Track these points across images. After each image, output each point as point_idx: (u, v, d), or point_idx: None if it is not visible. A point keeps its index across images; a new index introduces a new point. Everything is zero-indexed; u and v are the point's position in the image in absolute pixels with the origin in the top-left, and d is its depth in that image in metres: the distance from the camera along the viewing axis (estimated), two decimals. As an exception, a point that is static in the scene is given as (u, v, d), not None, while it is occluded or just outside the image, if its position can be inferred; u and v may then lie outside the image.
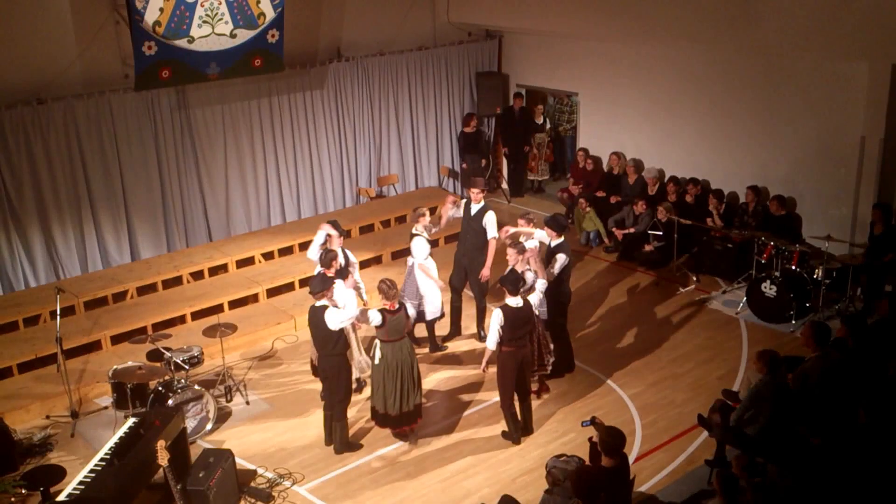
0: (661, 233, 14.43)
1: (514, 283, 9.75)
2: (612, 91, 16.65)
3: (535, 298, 9.97)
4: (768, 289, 12.46)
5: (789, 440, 8.70)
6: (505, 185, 18.71)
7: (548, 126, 18.29)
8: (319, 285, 9.55)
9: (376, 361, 9.68)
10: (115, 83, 13.74)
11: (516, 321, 9.63)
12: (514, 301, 9.66)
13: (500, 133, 18.47)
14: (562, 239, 10.97)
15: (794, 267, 12.50)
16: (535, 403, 10.62)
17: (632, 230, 14.94)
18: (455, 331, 12.54)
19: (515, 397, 10.01)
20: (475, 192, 11.96)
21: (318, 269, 10.57)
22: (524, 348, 9.90)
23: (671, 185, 15.17)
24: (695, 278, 14.04)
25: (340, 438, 10.01)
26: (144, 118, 14.05)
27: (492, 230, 11.81)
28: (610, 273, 14.71)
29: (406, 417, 9.89)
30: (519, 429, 10.16)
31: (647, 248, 14.62)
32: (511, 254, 10.44)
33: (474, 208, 11.92)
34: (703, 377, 11.31)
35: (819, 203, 13.85)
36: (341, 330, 9.45)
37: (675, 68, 15.48)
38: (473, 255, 11.94)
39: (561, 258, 10.81)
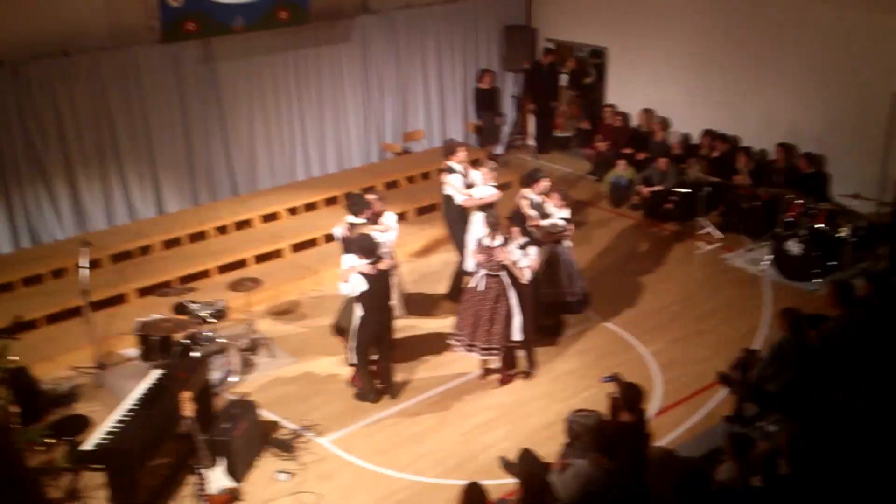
0: (688, 190, 14.34)
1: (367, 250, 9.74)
2: (642, 45, 16.45)
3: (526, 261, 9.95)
4: (794, 247, 12.37)
5: (810, 398, 8.69)
6: (532, 142, 18.60)
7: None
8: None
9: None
10: (141, 36, 13.69)
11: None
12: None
13: (528, 89, 18.32)
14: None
15: (820, 225, 12.40)
16: (554, 360, 10.70)
17: (659, 188, 14.85)
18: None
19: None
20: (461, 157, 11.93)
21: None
22: None
23: (706, 139, 15.02)
24: (720, 236, 13.96)
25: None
26: (170, 71, 14.04)
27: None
28: (635, 230, 14.66)
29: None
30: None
31: (667, 206, 14.56)
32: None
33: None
34: (726, 334, 11.29)
35: (849, 160, 13.67)
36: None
37: (707, 22, 15.27)
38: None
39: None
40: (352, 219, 10.50)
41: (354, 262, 9.54)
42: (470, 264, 10.34)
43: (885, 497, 7.40)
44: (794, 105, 14.30)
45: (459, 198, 11.72)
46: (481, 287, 9.95)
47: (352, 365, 10.25)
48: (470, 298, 10.07)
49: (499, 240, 9.85)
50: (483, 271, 9.91)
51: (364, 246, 9.60)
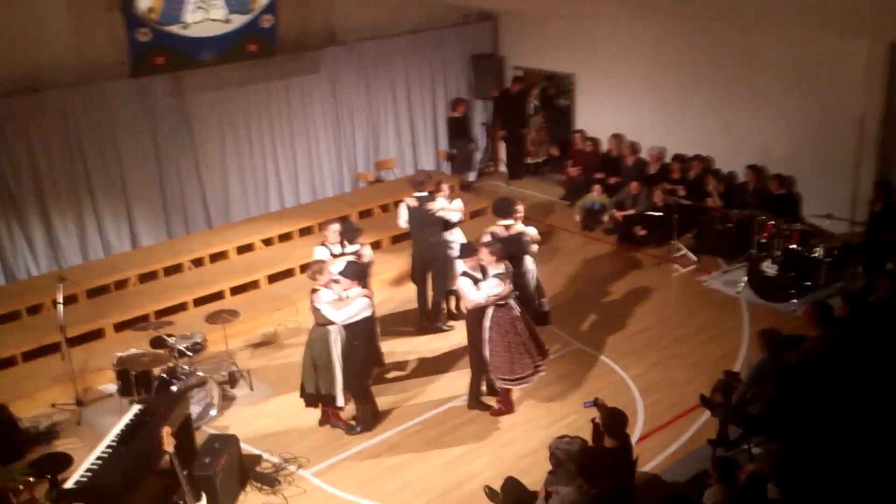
0: (660, 213, 14.44)
1: None
2: (610, 71, 16.62)
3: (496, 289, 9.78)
4: (769, 268, 12.48)
5: (791, 419, 8.74)
6: (503, 168, 18.69)
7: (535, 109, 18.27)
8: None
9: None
10: (110, 70, 13.66)
11: None
12: None
13: (498, 116, 18.43)
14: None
15: (794, 246, 12.51)
16: (534, 387, 10.70)
17: (631, 212, 14.94)
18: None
19: None
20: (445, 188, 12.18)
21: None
22: None
23: (675, 163, 15.17)
24: (694, 258, 14.06)
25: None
26: (140, 105, 14.00)
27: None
28: (610, 255, 14.72)
29: (320, 398, 9.96)
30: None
31: (641, 232, 14.64)
32: (483, 252, 9.93)
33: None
34: (705, 357, 11.33)
35: (819, 181, 13.84)
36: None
37: (672, 47, 15.45)
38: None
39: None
40: (347, 247, 10.79)
41: (354, 292, 9.56)
42: (475, 292, 9.85)
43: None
44: (762, 127, 14.47)
45: (456, 217, 12.00)
46: (517, 311, 9.92)
47: (339, 408, 10.04)
48: (507, 330, 9.87)
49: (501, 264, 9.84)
50: (513, 296, 9.88)
51: (358, 271, 9.69)
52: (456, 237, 12.04)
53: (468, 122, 17.98)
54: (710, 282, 13.43)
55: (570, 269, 14.11)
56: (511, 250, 10.59)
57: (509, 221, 10.94)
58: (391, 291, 13.57)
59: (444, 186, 12.11)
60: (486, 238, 10.53)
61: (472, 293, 9.70)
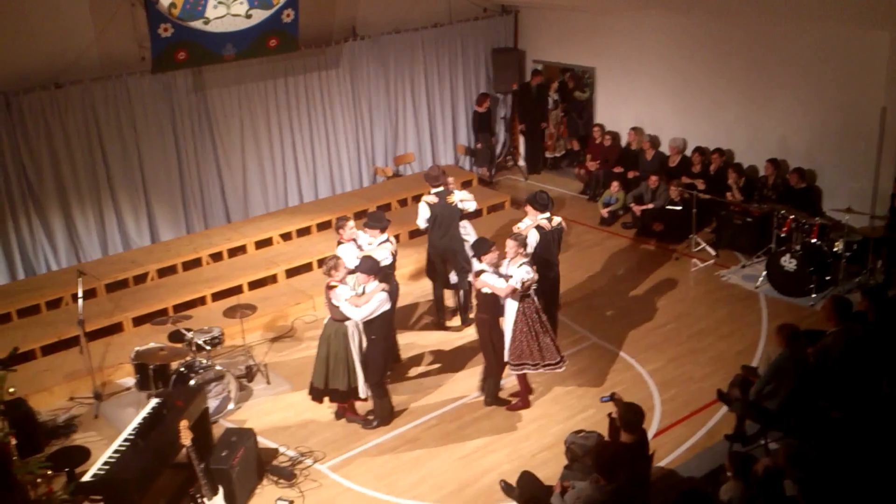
0: (679, 208, 14.38)
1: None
2: (630, 65, 16.55)
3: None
4: (788, 262, 12.40)
5: (809, 414, 8.69)
6: (522, 163, 18.66)
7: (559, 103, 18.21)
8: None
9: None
10: (132, 66, 13.77)
11: None
12: None
13: (517, 110, 18.40)
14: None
15: (814, 240, 12.41)
16: (551, 381, 10.68)
17: (650, 206, 14.87)
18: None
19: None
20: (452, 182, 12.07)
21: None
22: None
23: (696, 156, 15.10)
24: (713, 253, 13.99)
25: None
26: (161, 100, 14.10)
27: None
28: (628, 249, 14.67)
29: (333, 394, 9.95)
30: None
31: (658, 227, 14.58)
32: (511, 246, 9.89)
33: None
34: (723, 352, 11.29)
35: (839, 175, 13.73)
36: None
37: (693, 40, 15.36)
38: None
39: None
40: (372, 238, 10.76)
41: (371, 287, 9.50)
42: (504, 281, 9.78)
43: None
44: (783, 121, 14.37)
45: (473, 206, 11.97)
46: (540, 303, 9.99)
47: (361, 399, 10.06)
48: (534, 320, 9.88)
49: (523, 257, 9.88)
50: (532, 288, 9.86)
51: (373, 265, 9.63)
52: (468, 230, 12.11)
53: (492, 117, 17.96)
54: (728, 276, 13.36)
55: (587, 264, 14.07)
56: (552, 242, 10.69)
57: (547, 214, 10.89)
58: (409, 286, 13.57)
59: (451, 180, 12.06)
60: (533, 232, 10.54)
61: (502, 283, 9.68)
